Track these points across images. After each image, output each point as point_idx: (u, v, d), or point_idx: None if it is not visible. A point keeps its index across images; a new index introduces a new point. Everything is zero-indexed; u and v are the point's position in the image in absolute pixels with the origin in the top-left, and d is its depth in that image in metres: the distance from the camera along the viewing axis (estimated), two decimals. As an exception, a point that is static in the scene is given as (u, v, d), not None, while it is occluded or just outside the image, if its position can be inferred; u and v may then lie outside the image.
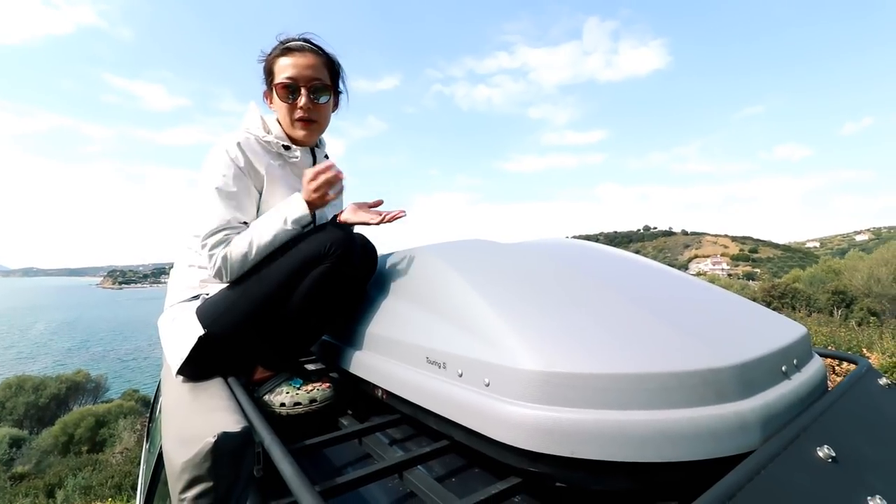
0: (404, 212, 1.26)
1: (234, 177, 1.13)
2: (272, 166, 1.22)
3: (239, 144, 1.16)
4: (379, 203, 1.31)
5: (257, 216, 1.19)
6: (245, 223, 1.13)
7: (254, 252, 1.08)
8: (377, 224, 1.31)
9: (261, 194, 1.20)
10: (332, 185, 1.11)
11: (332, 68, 1.28)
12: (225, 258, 1.08)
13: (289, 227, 1.09)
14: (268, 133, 1.25)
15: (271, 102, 1.28)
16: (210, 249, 1.08)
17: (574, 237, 1.52)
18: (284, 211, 1.11)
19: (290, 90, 1.21)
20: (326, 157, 1.42)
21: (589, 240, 1.41)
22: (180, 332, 1.09)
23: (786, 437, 0.63)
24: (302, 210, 1.10)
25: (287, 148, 1.25)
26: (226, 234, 1.09)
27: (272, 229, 1.09)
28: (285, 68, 1.20)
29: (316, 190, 1.10)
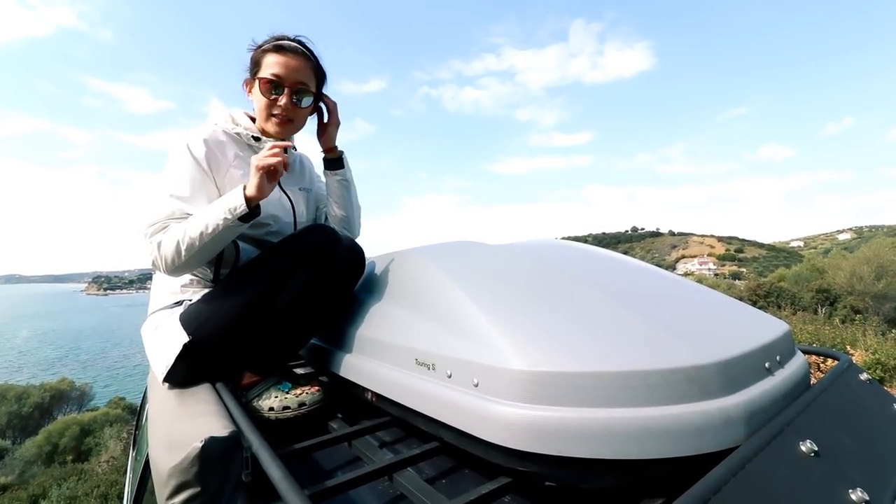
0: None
1: (190, 171, 1.12)
2: (240, 157, 1.22)
3: (204, 139, 1.16)
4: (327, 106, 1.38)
5: None
6: (190, 215, 1.10)
7: (186, 238, 1.02)
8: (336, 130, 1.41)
9: (218, 184, 1.18)
10: (275, 172, 1.04)
11: (318, 75, 1.30)
12: (160, 244, 1.05)
13: (222, 215, 1.02)
14: (236, 125, 1.26)
15: (250, 92, 1.29)
16: (149, 237, 1.07)
17: (563, 239, 1.54)
18: (222, 200, 1.05)
19: (273, 87, 1.22)
20: (294, 148, 1.43)
21: (577, 241, 1.43)
22: (165, 340, 1.08)
23: (769, 433, 0.64)
24: (237, 200, 1.02)
25: (257, 139, 1.26)
26: (166, 223, 1.08)
27: (206, 217, 1.03)
28: (273, 65, 1.21)
29: (258, 170, 1.03)
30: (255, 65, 1.24)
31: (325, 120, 1.41)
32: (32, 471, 11.61)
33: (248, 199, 1.02)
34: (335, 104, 1.40)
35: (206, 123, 1.25)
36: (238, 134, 1.24)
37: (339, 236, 1.13)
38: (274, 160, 1.03)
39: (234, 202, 1.03)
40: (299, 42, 1.25)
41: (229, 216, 1.02)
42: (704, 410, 0.63)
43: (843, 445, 0.68)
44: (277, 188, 1.31)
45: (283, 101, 1.22)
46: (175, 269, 1.07)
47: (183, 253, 1.03)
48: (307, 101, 1.28)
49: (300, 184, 1.42)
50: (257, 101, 1.25)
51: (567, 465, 0.64)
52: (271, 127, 1.26)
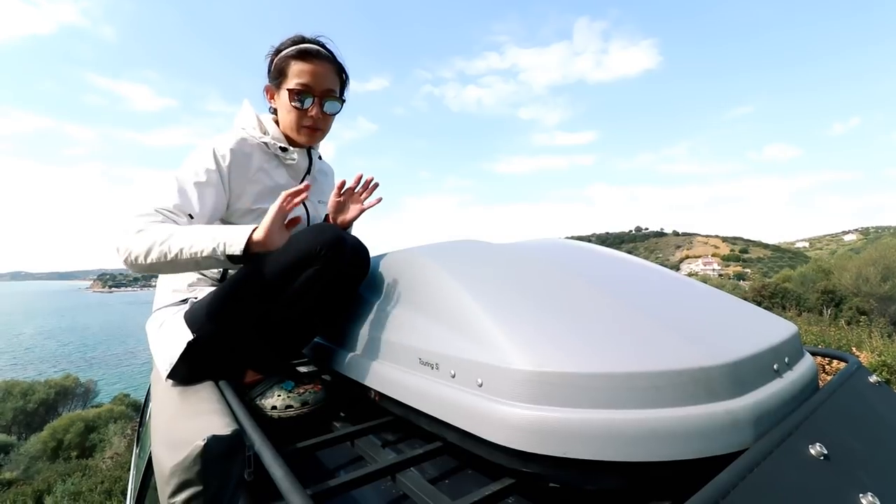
0: (373, 178, 1.35)
1: (207, 173, 1.10)
2: (263, 170, 1.21)
3: (231, 149, 1.14)
4: (357, 180, 1.34)
5: (230, 217, 1.19)
6: (191, 216, 1.05)
7: (166, 244, 0.93)
8: (358, 215, 1.36)
9: (232, 197, 1.17)
10: (286, 225, 0.97)
11: (342, 77, 1.28)
12: (133, 240, 0.96)
13: (211, 244, 0.93)
14: (264, 134, 1.24)
15: (272, 98, 1.27)
16: (132, 218, 0.98)
17: (567, 238, 1.53)
18: (222, 230, 0.95)
19: (302, 97, 1.19)
20: (320, 157, 1.41)
21: (581, 241, 1.41)
22: (169, 337, 1.08)
23: (778, 436, 0.63)
24: (236, 238, 0.92)
25: (284, 150, 1.24)
26: (163, 218, 1.00)
27: (195, 236, 0.94)
28: (300, 73, 1.18)
29: (270, 231, 0.92)
30: (280, 73, 1.21)
31: (343, 198, 1.35)
32: (37, 466, 11.68)
33: (251, 243, 0.93)
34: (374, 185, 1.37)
35: (234, 129, 1.24)
36: (266, 143, 1.22)
37: (344, 236, 1.11)
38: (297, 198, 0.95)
39: (232, 238, 0.93)
40: (321, 45, 1.22)
41: (219, 249, 0.93)
42: (711, 413, 0.62)
43: (852, 449, 0.67)
44: None
45: (313, 111, 1.21)
46: (134, 264, 0.97)
47: (152, 255, 0.95)
48: (335, 108, 1.25)
49: (321, 196, 1.41)
50: (285, 110, 1.22)
51: (571, 467, 0.63)
52: (302, 137, 1.25)
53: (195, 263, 0.97)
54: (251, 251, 0.94)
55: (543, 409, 0.65)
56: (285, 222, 0.98)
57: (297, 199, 0.97)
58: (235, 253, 0.93)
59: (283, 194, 0.96)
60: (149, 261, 0.95)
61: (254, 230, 0.94)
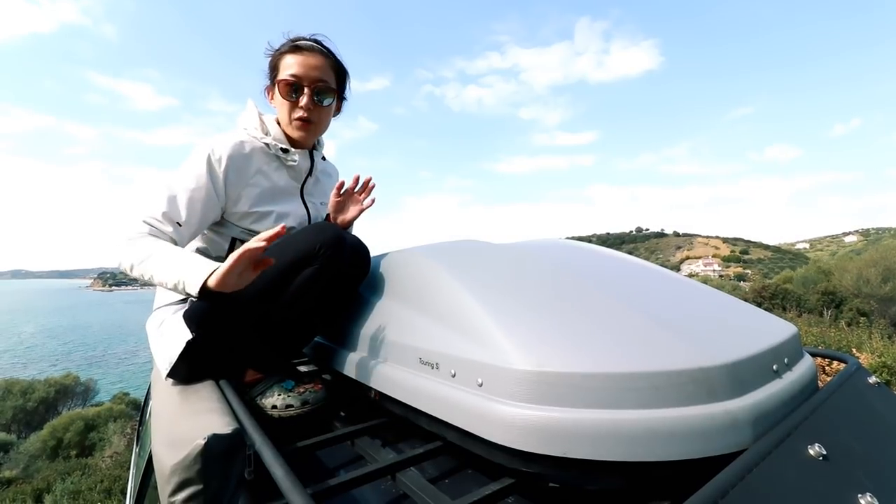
0: (370, 179, 1.35)
1: (197, 179, 1.10)
2: (262, 172, 1.21)
3: (229, 155, 1.13)
4: (355, 181, 1.34)
5: (230, 219, 1.20)
6: (179, 224, 1.08)
7: (141, 266, 1.00)
8: (358, 215, 1.36)
9: (229, 201, 1.17)
10: (253, 267, 0.91)
11: (339, 72, 1.27)
12: (123, 252, 1.02)
13: (173, 280, 0.96)
14: (266, 134, 1.24)
15: (272, 98, 1.27)
16: (127, 231, 1.04)
17: (567, 239, 1.53)
18: (186, 265, 0.95)
19: (293, 88, 1.19)
20: (324, 158, 1.41)
21: (582, 241, 1.42)
22: (169, 337, 1.08)
23: (777, 436, 0.63)
24: (193, 281, 0.92)
25: (285, 151, 1.24)
26: (149, 229, 1.05)
27: (163, 265, 0.98)
28: (291, 66, 1.19)
29: (228, 274, 0.88)
30: (274, 69, 1.21)
31: (346, 192, 1.34)
32: (37, 465, 11.68)
33: (206, 286, 0.91)
34: (372, 183, 1.35)
35: (236, 129, 1.24)
36: (267, 144, 1.22)
37: (343, 235, 1.11)
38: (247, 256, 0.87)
39: (190, 278, 0.93)
40: (316, 41, 1.23)
41: (179, 286, 0.96)
42: (711, 413, 0.62)
43: (851, 449, 0.67)
44: (299, 199, 1.30)
45: (303, 101, 1.20)
46: (125, 273, 1.06)
47: (132, 273, 1.04)
48: (329, 100, 1.25)
49: (323, 197, 1.41)
50: (280, 106, 1.23)
51: (571, 467, 0.64)
52: (295, 132, 1.24)
53: (171, 288, 0.99)
54: (210, 291, 0.92)
55: (543, 409, 0.65)
56: (256, 262, 0.91)
57: (268, 244, 0.88)
58: (192, 294, 0.93)
59: (255, 239, 0.88)
60: (134, 275, 1.04)
61: (212, 272, 0.91)
